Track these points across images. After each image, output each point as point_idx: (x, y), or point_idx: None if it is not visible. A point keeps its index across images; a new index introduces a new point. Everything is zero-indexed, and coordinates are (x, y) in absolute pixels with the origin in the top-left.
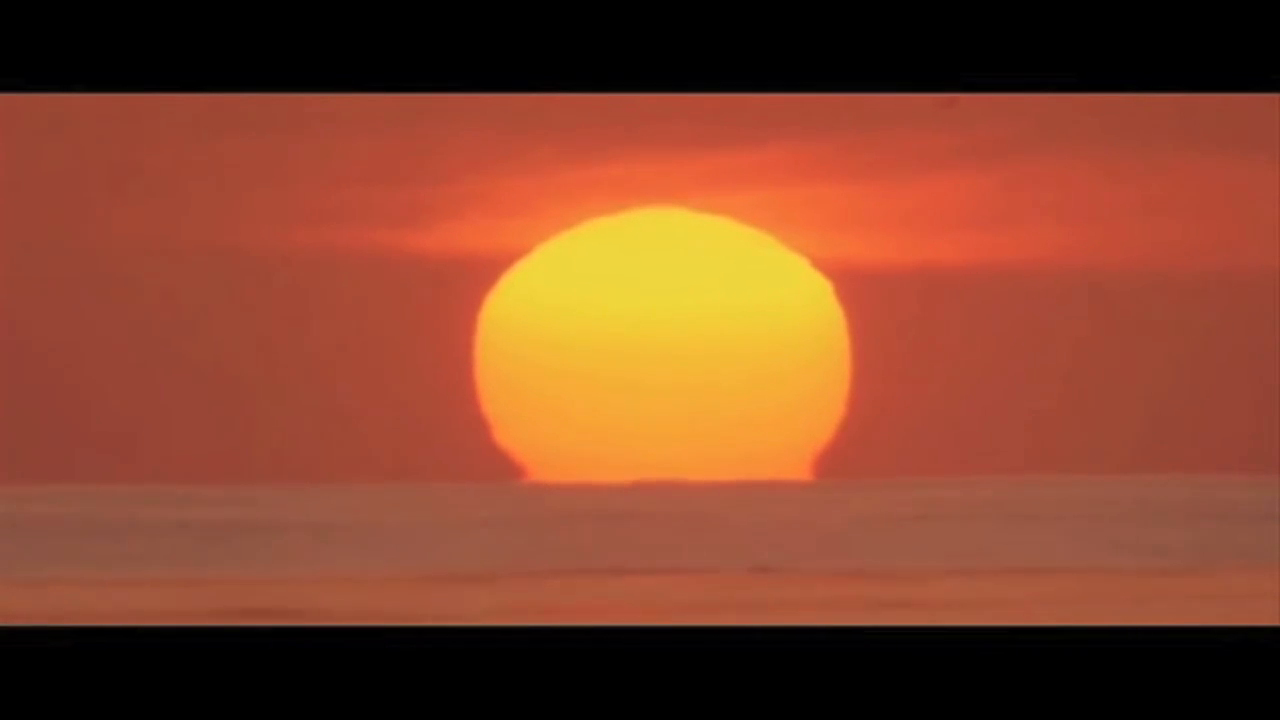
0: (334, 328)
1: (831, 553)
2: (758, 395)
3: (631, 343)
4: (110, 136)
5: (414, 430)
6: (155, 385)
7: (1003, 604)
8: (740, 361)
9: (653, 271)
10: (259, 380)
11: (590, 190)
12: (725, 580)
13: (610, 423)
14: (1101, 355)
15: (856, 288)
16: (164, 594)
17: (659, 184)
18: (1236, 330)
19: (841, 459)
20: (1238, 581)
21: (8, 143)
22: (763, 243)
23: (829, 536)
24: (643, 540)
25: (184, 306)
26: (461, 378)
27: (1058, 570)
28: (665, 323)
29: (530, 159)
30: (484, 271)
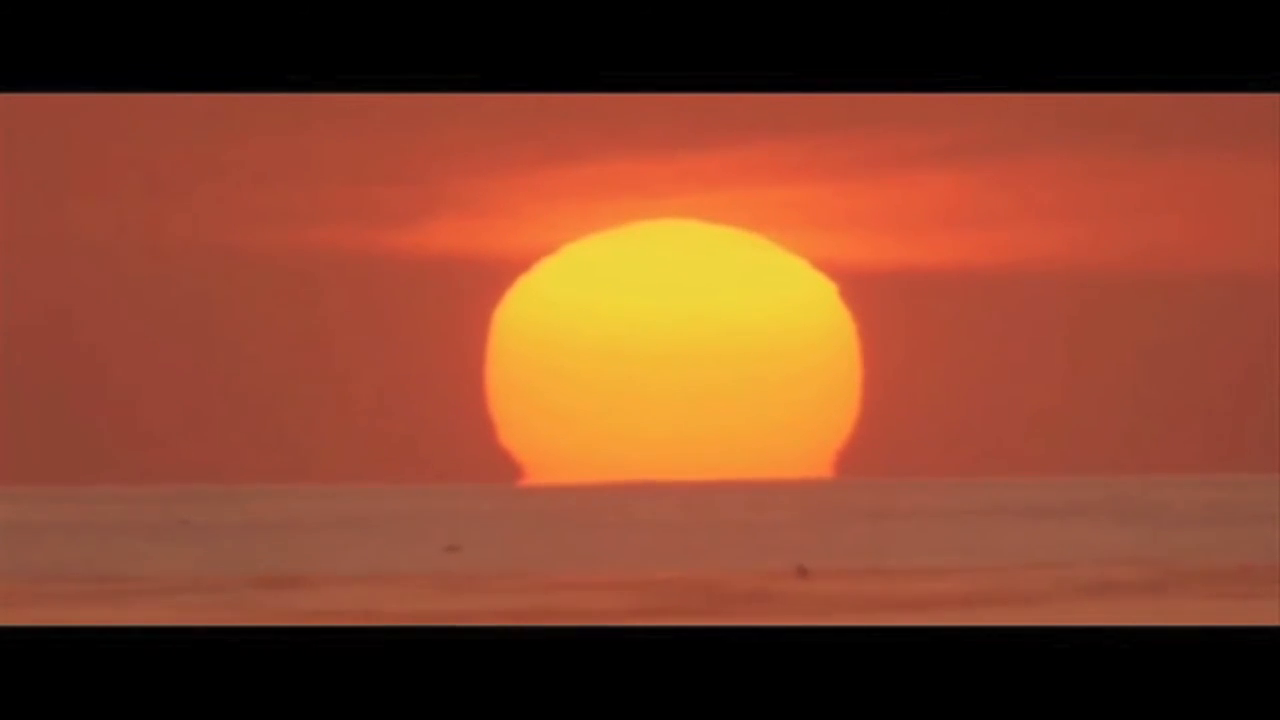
0: (344, 328)
1: (832, 552)
2: (771, 398)
3: (640, 348)
4: (110, 136)
5: (419, 430)
6: (157, 385)
7: (1002, 603)
8: (750, 365)
9: (660, 277)
10: (269, 381)
11: (596, 192)
12: (726, 580)
13: (615, 426)
14: (1105, 355)
15: (855, 288)
16: (162, 594)
17: (656, 185)
18: (1236, 330)
19: (860, 457)
20: (1238, 581)
21: (8, 143)
22: (761, 245)
23: (828, 536)
24: (645, 540)
25: (194, 307)
26: (473, 379)
27: (1057, 569)
28: (676, 328)
29: (532, 161)
30: (498, 276)
